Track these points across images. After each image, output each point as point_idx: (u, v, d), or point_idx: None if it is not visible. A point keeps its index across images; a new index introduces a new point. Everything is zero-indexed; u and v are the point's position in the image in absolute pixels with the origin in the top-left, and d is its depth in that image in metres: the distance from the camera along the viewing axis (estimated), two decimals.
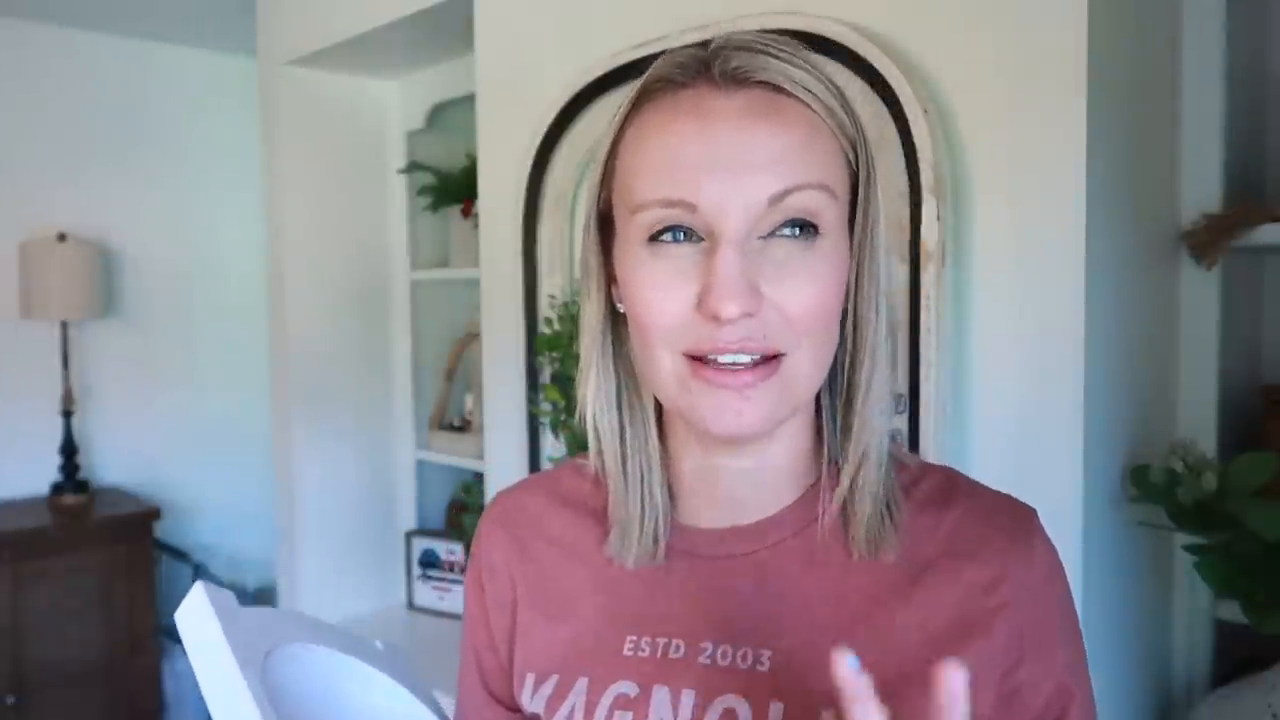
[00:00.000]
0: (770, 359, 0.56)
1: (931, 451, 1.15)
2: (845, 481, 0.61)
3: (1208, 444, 1.25)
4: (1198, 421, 1.27)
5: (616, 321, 0.64)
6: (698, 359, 0.56)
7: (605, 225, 0.63)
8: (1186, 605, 1.30)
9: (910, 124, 1.15)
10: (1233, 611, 1.17)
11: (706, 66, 0.57)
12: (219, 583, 3.13)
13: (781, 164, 0.54)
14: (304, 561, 2.37)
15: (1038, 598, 0.60)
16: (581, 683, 0.63)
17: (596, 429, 0.65)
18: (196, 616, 0.59)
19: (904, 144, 1.16)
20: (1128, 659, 1.21)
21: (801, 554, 0.62)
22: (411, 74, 2.44)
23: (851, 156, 0.58)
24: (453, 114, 2.41)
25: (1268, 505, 1.05)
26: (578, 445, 1.60)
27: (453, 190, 2.23)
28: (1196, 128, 1.27)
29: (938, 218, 1.14)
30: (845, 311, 0.60)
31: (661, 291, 0.56)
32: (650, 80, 0.59)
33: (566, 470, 0.74)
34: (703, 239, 0.56)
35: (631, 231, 0.58)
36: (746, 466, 0.63)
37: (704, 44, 0.59)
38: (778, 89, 0.56)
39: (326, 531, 2.40)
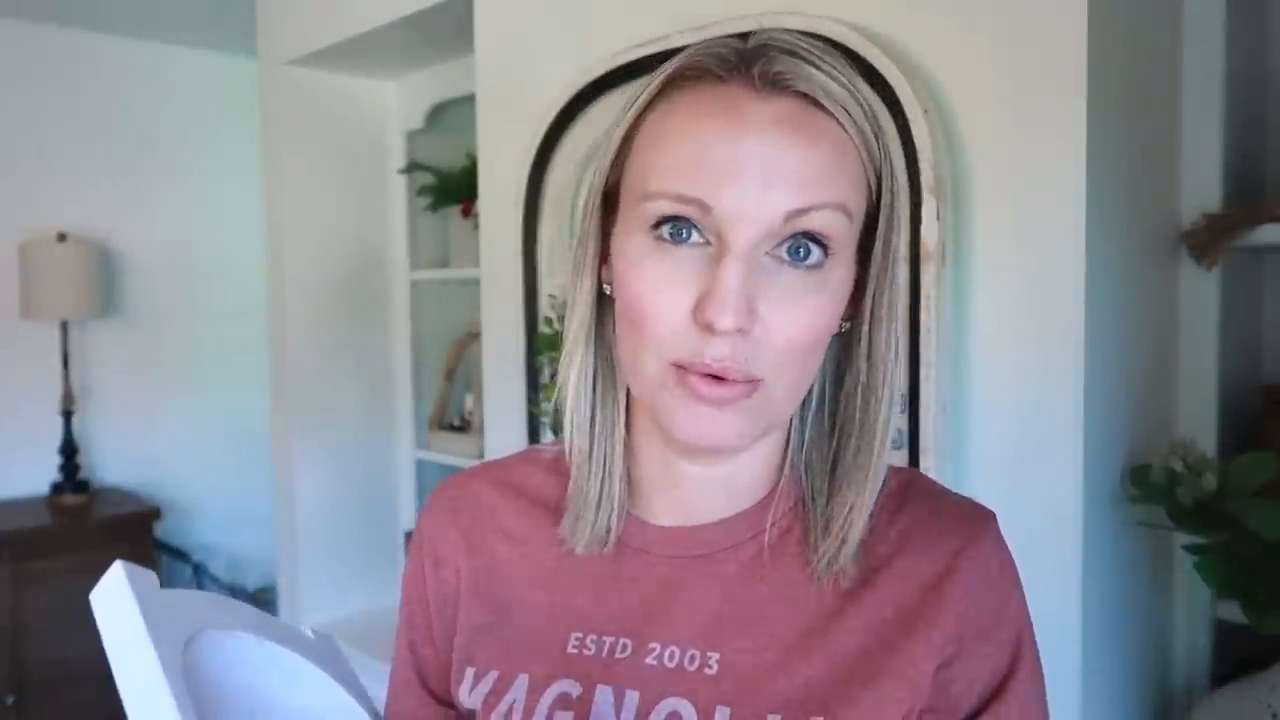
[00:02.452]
0: (749, 381, 0.55)
1: (931, 451, 1.15)
2: (822, 519, 0.60)
3: (1208, 444, 1.25)
4: (1198, 421, 1.27)
5: (602, 304, 0.63)
6: (682, 367, 0.55)
7: (608, 204, 0.61)
8: (1186, 605, 1.30)
9: (910, 124, 1.15)
10: (1233, 611, 1.17)
11: (747, 65, 0.55)
12: (218, 583, 3.13)
13: (806, 181, 0.53)
14: (304, 561, 2.37)
15: (984, 596, 0.60)
16: (522, 679, 0.62)
17: (571, 410, 0.64)
18: (114, 598, 0.56)
19: (904, 144, 1.16)
20: (1128, 659, 1.21)
21: (756, 559, 0.61)
22: (411, 74, 2.44)
23: (874, 182, 0.57)
24: (453, 114, 2.41)
25: (1268, 505, 1.05)
26: None
27: (453, 190, 2.23)
28: (1196, 128, 1.27)
29: (938, 218, 1.14)
30: (858, 338, 0.59)
31: (659, 293, 0.54)
32: (684, 67, 0.57)
33: (518, 459, 0.72)
34: (708, 242, 0.54)
35: (637, 218, 0.56)
36: (710, 474, 0.62)
37: (743, 36, 0.57)
38: (814, 102, 0.54)
39: (326, 531, 2.40)
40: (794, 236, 0.54)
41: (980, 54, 1.15)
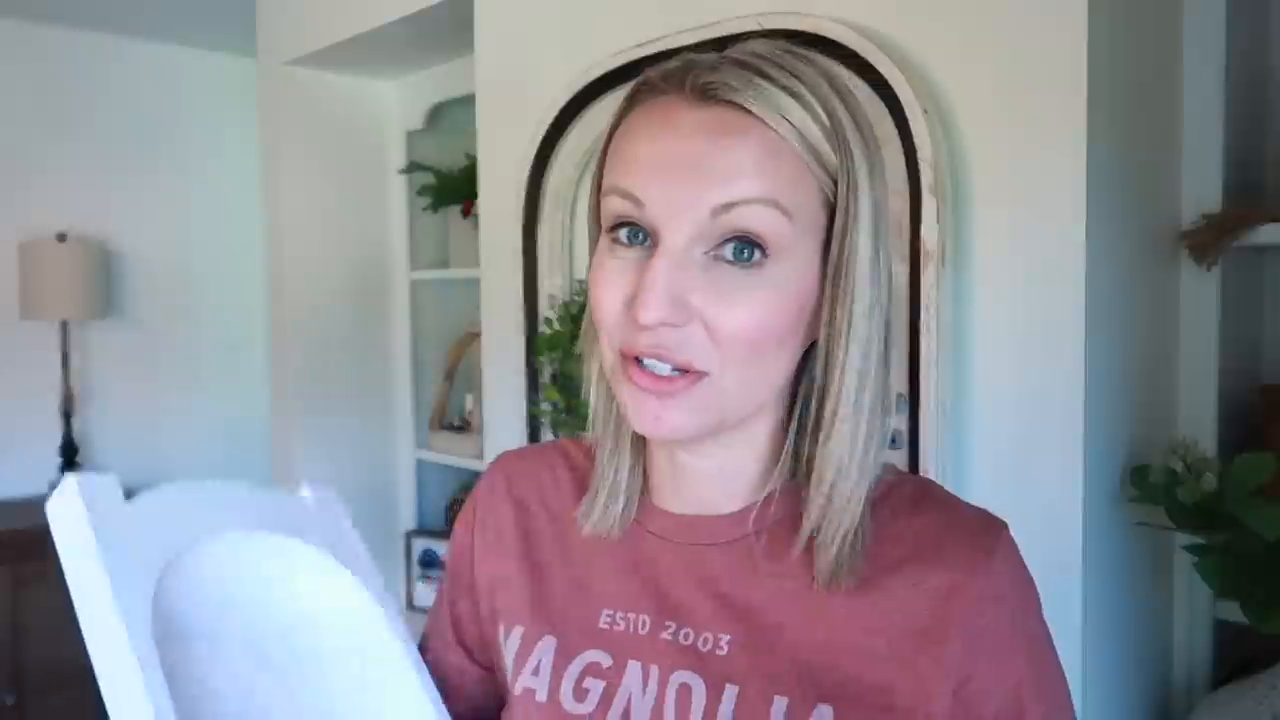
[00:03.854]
0: (690, 373, 0.57)
1: (931, 451, 1.15)
2: (810, 521, 0.61)
3: (1208, 444, 1.25)
4: (1198, 421, 1.27)
5: None
6: (628, 357, 0.58)
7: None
8: (1186, 605, 1.30)
9: (910, 124, 1.15)
10: (1233, 611, 1.17)
11: (683, 78, 0.58)
12: None
13: (731, 179, 0.55)
14: None
15: (996, 608, 0.60)
16: (549, 642, 0.66)
17: (592, 402, 0.68)
18: (68, 519, 0.51)
19: (904, 144, 1.16)
20: (1128, 659, 1.21)
21: (764, 549, 0.63)
22: (411, 74, 2.44)
23: (829, 189, 0.58)
24: (453, 114, 2.41)
25: (1268, 505, 1.05)
26: None
27: (453, 190, 2.23)
28: (1196, 128, 1.27)
29: (937, 218, 1.14)
30: (815, 343, 0.61)
31: (603, 288, 0.59)
32: (638, 83, 0.62)
33: (569, 442, 0.78)
34: (652, 244, 0.57)
35: (603, 219, 0.61)
36: (705, 466, 0.65)
37: (721, 48, 0.61)
38: (745, 110, 0.56)
39: None
40: (732, 236, 0.56)
41: (980, 54, 1.15)
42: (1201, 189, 1.26)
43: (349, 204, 2.44)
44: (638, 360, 0.57)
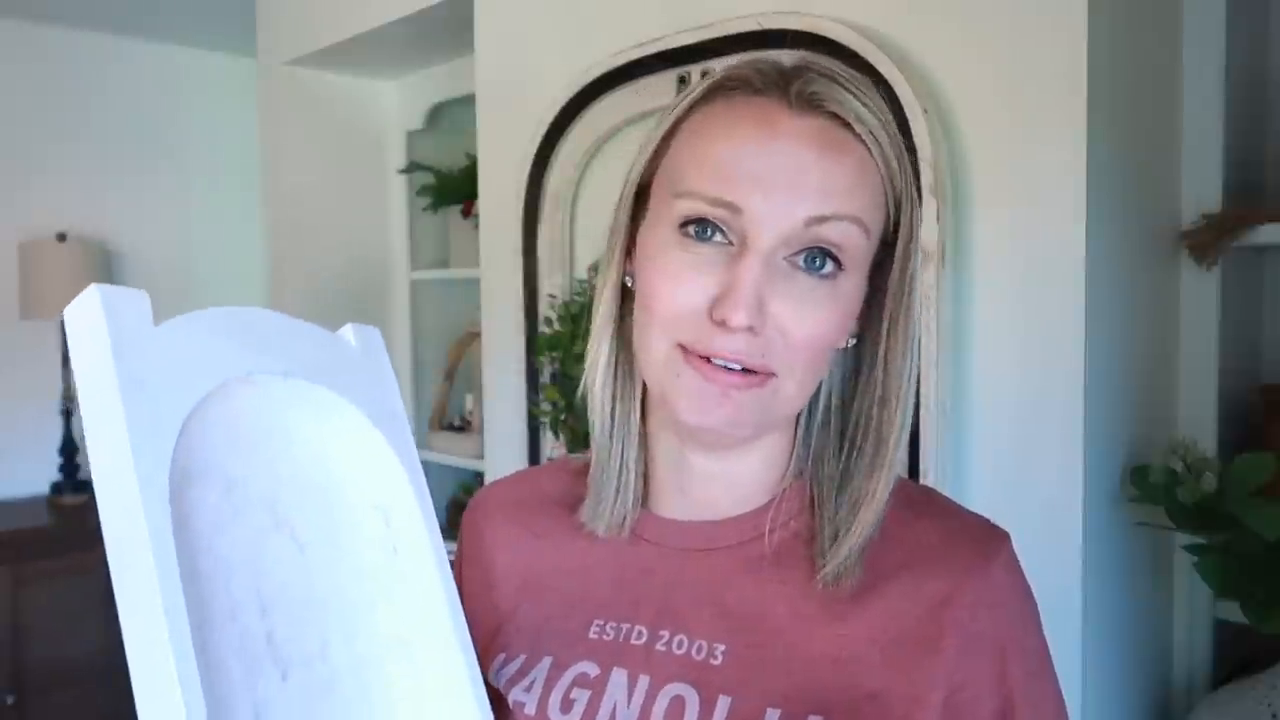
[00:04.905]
0: (759, 373, 0.57)
1: (931, 451, 1.15)
2: (835, 523, 0.61)
3: (1208, 444, 1.25)
4: (1198, 421, 1.27)
5: (625, 296, 0.65)
6: (691, 351, 0.58)
7: (640, 199, 0.64)
8: (1186, 605, 1.30)
9: (910, 124, 1.15)
10: (1233, 611, 1.17)
11: (786, 83, 0.58)
12: None
13: (829, 192, 0.56)
14: None
15: (992, 615, 0.60)
16: (546, 660, 0.66)
17: (596, 399, 0.67)
18: (87, 339, 0.45)
19: (904, 144, 1.16)
20: (1128, 659, 1.21)
21: (762, 558, 0.63)
22: (411, 74, 2.44)
23: (893, 209, 0.60)
24: (453, 114, 2.41)
25: (1268, 505, 1.05)
26: (578, 445, 1.60)
27: (453, 190, 2.23)
28: (1196, 128, 1.27)
29: (938, 218, 1.14)
30: (873, 354, 0.62)
31: (676, 283, 0.57)
32: (727, 77, 0.60)
33: (551, 466, 0.78)
34: (731, 242, 0.57)
35: (666, 213, 0.59)
36: (716, 469, 0.64)
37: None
38: (844, 123, 0.57)
39: None
40: (811, 245, 0.57)
41: (980, 54, 1.15)
42: (1201, 189, 1.26)
43: (349, 204, 2.44)
44: (705, 357, 0.57)
